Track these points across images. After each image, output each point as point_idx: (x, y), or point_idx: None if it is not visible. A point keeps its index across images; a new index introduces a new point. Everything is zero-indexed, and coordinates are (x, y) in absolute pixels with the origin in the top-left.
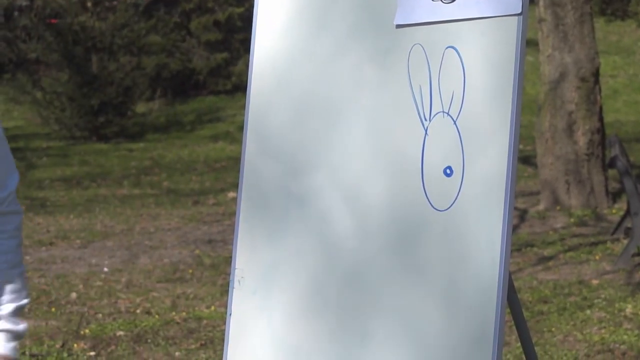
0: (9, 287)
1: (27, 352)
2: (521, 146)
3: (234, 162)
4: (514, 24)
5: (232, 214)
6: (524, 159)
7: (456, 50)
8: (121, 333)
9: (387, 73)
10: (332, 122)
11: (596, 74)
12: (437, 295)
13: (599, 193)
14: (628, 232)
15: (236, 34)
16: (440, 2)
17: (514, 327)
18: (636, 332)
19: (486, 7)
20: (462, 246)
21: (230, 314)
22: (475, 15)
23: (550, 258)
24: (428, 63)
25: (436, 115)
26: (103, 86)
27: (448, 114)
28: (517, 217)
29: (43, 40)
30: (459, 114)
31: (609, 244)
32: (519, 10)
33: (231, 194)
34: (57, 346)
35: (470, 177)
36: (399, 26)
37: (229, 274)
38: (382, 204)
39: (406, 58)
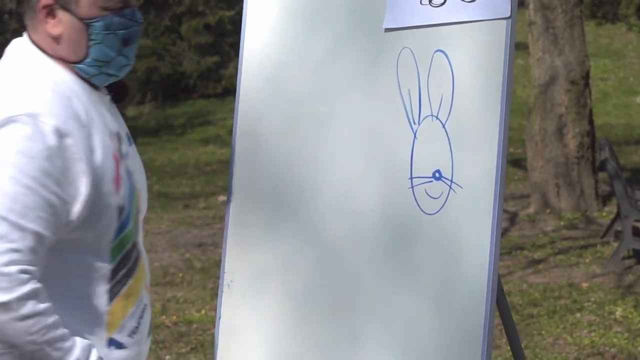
0: None
1: None
2: (511, 149)
3: (225, 166)
4: (502, 27)
5: (223, 218)
6: (514, 162)
7: (445, 54)
8: None
9: (377, 77)
10: (322, 126)
11: (586, 77)
12: (426, 298)
13: (589, 196)
14: (618, 235)
15: (227, 37)
16: (429, 6)
17: (504, 331)
18: (626, 335)
19: (475, 11)
20: (452, 250)
21: (220, 318)
22: (464, 19)
23: (540, 261)
24: (417, 67)
25: (425, 119)
26: None
27: (437, 117)
28: (507, 220)
29: None
30: (447, 117)
31: (599, 247)
32: (508, 14)
33: (221, 198)
34: None
35: (459, 180)
36: (388, 30)
37: (219, 278)
38: (371, 207)
39: (395, 62)
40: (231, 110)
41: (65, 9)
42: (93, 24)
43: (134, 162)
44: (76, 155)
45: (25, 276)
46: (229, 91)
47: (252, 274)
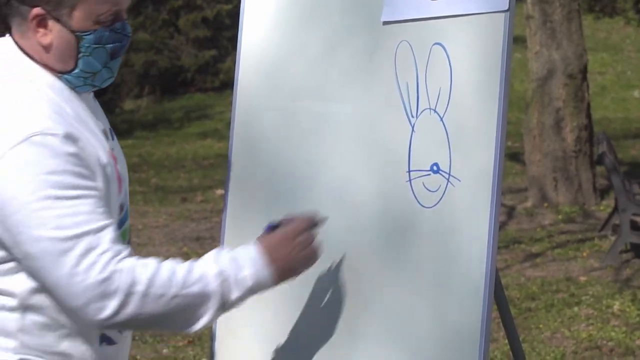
0: None
1: None
2: (509, 143)
3: (222, 160)
4: (500, 20)
5: (220, 211)
6: (512, 155)
7: (443, 47)
8: None
9: (374, 70)
10: (320, 119)
11: (584, 70)
12: (424, 292)
13: (587, 190)
14: (616, 229)
15: (224, 31)
16: None
17: (502, 324)
18: (624, 328)
19: (473, 4)
20: (449, 243)
21: None
22: (462, 12)
23: (538, 255)
24: (415, 60)
25: (423, 112)
26: None
27: (435, 110)
28: (505, 214)
29: None
30: (445, 110)
31: (596, 241)
32: (506, 7)
33: (219, 191)
34: None
35: (457, 174)
36: (385, 23)
37: None
38: (369, 201)
39: (393, 55)
40: (229, 104)
41: (57, 20)
42: (84, 36)
43: (120, 156)
44: (90, 157)
45: (123, 264)
46: (227, 85)
47: None
